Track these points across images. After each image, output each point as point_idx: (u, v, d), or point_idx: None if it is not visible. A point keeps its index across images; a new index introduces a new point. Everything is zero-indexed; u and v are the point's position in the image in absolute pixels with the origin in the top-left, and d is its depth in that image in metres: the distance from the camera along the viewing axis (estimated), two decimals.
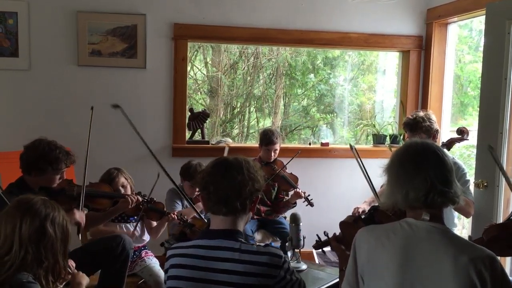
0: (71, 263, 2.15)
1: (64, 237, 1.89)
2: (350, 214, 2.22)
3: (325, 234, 2.21)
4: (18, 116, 3.91)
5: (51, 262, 1.85)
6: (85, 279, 2.14)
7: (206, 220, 2.75)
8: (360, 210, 3.34)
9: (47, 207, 1.88)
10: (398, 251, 1.51)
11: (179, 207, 3.38)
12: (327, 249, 2.20)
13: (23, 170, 2.70)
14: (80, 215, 2.65)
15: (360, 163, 2.75)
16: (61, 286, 1.97)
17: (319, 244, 2.25)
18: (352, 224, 2.00)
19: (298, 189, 3.74)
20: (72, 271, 2.12)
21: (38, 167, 2.64)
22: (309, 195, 3.73)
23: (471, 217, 3.16)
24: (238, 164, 1.78)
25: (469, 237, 2.11)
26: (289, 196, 3.85)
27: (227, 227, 1.77)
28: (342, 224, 2.05)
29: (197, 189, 3.33)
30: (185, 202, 3.40)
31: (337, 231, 2.10)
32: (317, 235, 2.29)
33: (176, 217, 3.06)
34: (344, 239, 2.02)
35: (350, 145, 2.97)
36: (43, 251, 1.82)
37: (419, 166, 1.56)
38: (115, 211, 2.97)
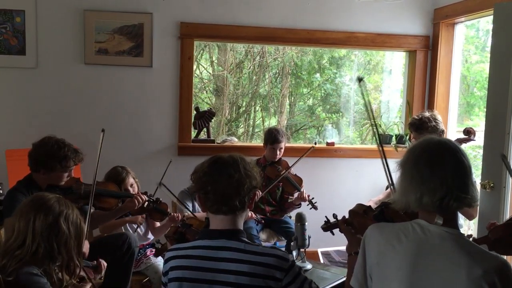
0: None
1: (78, 235, 1.92)
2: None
3: (334, 216, 2.19)
4: (25, 114, 3.93)
5: (65, 258, 1.88)
6: None
7: (204, 220, 2.74)
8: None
9: (61, 204, 1.91)
10: (409, 256, 1.46)
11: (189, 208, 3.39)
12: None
13: (32, 167, 2.71)
14: (86, 246, 2.59)
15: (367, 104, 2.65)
16: (74, 281, 1.99)
17: (328, 226, 2.22)
18: (362, 214, 1.97)
19: (302, 192, 3.71)
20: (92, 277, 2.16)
21: (47, 164, 2.65)
22: (313, 198, 3.69)
23: (474, 219, 3.15)
24: (234, 161, 1.75)
25: (473, 238, 2.08)
26: (293, 197, 3.83)
27: (227, 227, 1.74)
28: (352, 213, 2.02)
29: None
30: (196, 204, 3.41)
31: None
32: (325, 216, 2.28)
33: (179, 219, 3.07)
34: (353, 225, 2.00)
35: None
36: (56, 247, 1.84)
37: (435, 169, 1.46)
38: (121, 210, 2.98)
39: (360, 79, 2.82)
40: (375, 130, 2.65)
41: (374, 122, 2.70)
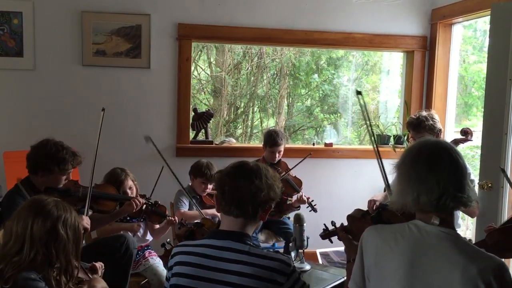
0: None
1: (76, 238, 1.90)
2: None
3: (333, 224, 2.20)
4: (22, 115, 3.92)
5: (64, 263, 1.87)
6: (100, 283, 2.15)
7: (215, 221, 2.78)
8: (377, 203, 3.29)
9: (59, 208, 1.89)
10: (405, 256, 1.47)
11: (185, 207, 3.40)
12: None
13: (30, 170, 2.71)
14: (87, 221, 2.63)
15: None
16: (72, 284, 1.98)
17: (326, 234, 2.24)
18: (360, 218, 1.98)
19: (301, 194, 3.70)
20: (91, 276, 2.15)
21: (45, 167, 2.65)
22: (312, 201, 3.68)
23: (475, 217, 3.16)
24: (258, 169, 1.80)
25: (469, 240, 2.08)
26: (292, 199, 3.82)
27: (236, 229, 1.77)
28: (350, 218, 2.03)
29: (208, 186, 3.41)
30: (193, 202, 3.42)
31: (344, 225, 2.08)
32: (324, 224, 2.29)
33: (177, 221, 3.07)
34: (351, 231, 2.01)
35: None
36: (55, 252, 1.83)
37: (432, 169, 1.48)
38: (120, 213, 2.98)
39: (358, 92, 2.81)
40: (374, 142, 2.68)
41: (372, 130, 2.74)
